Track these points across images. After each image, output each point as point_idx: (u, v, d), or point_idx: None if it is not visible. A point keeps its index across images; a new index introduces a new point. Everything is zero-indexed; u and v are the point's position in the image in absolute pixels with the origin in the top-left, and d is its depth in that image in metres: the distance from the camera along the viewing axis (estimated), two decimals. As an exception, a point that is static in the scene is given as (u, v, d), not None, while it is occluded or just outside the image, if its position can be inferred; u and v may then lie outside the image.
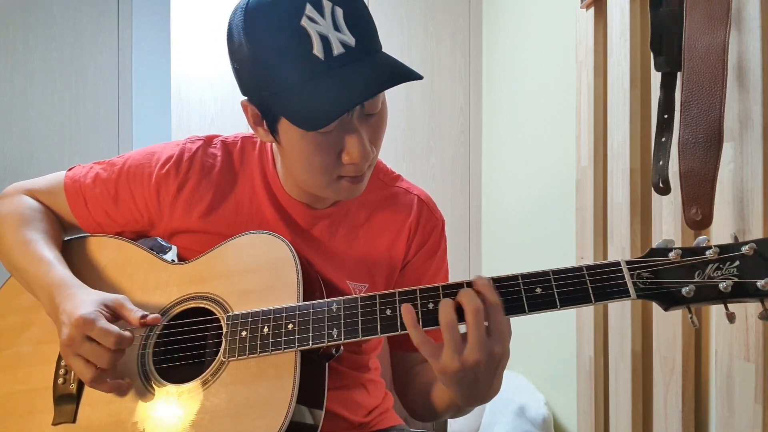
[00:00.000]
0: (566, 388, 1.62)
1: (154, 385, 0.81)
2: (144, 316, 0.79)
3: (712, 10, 0.86)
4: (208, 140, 0.97)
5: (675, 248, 0.68)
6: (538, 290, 0.70)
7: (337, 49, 0.72)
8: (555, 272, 0.70)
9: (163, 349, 0.84)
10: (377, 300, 0.75)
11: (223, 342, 0.79)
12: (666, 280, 0.67)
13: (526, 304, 0.69)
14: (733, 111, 0.92)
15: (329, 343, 0.75)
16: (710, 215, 0.88)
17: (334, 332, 0.75)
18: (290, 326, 0.77)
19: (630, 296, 0.67)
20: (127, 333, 0.77)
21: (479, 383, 0.71)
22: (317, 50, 0.71)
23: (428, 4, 2.48)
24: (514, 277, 0.71)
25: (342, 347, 0.81)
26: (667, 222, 1.09)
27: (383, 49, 0.78)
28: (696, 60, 0.88)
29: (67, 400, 0.83)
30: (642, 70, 1.21)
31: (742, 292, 0.64)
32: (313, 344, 0.75)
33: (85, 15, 3.06)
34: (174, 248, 1.00)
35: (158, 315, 0.80)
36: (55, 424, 0.82)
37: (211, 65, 2.43)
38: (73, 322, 0.76)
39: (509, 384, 1.83)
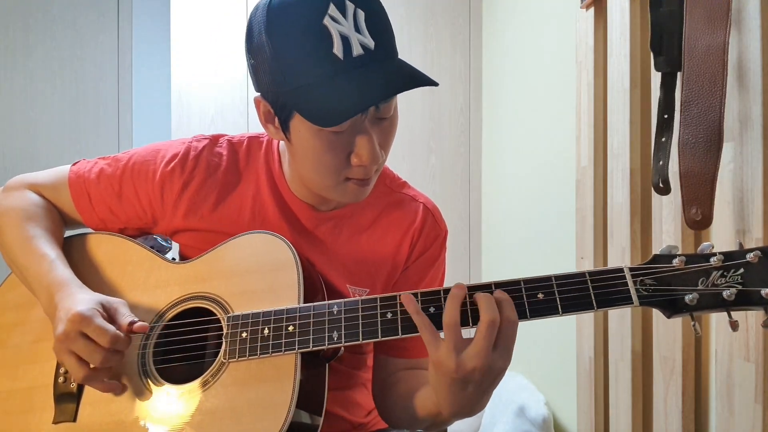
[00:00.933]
0: (566, 388, 1.62)
1: (154, 385, 0.81)
2: (132, 323, 0.79)
3: (712, 10, 0.86)
4: (214, 139, 0.96)
5: (679, 255, 0.67)
6: (540, 296, 0.69)
7: (356, 50, 0.73)
8: (557, 278, 0.69)
9: (163, 349, 0.84)
10: (378, 303, 0.75)
11: (224, 343, 0.79)
12: (669, 287, 0.66)
13: (527, 310, 0.69)
14: (733, 111, 0.92)
15: (329, 346, 0.75)
16: (710, 215, 0.88)
17: (335, 335, 0.75)
18: (291, 328, 0.77)
19: (633, 303, 0.66)
20: (122, 334, 0.77)
21: (467, 392, 0.69)
22: (337, 49, 0.72)
23: (428, 4, 2.48)
24: (516, 282, 0.70)
25: (342, 349, 0.81)
26: (667, 222, 1.09)
27: None
28: (696, 60, 0.88)
29: (67, 399, 0.83)
30: (642, 70, 1.21)
31: (746, 300, 0.63)
32: (313, 346, 0.75)
33: (85, 15, 3.06)
34: (174, 248, 1.00)
35: (146, 324, 0.80)
36: (55, 422, 0.82)
37: (212, 65, 2.43)
38: (70, 318, 0.75)
39: (509, 384, 1.83)
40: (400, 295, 0.74)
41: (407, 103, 2.38)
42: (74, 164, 0.98)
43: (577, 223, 1.47)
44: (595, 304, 0.68)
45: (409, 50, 2.44)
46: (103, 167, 0.95)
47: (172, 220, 0.93)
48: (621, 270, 0.68)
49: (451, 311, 0.68)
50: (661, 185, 0.99)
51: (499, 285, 0.71)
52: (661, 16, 0.97)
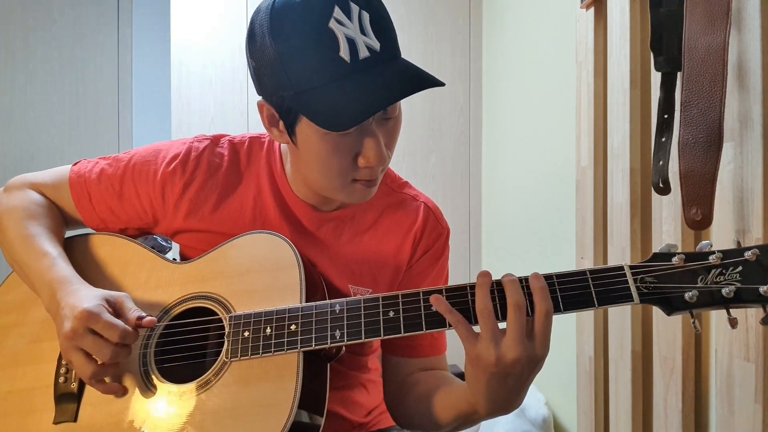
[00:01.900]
0: (566, 388, 1.62)
1: (155, 385, 0.81)
2: (140, 318, 0.79)
3: (712, 10, 0.86)
4: (216, 140, 0.96)
5: (678, 253, 0.67)
6: None
7: (362, 53, 0.72)
8: (558, 276, 0.70)
9: (165, 349, 0.84)
10: (380, 302, 0.75)
11: (226, 342, 0.79)
12: (669, 285, 0.67)
13: (529, 308, 0.69)
14: (733, 111, 0.92)
15: (332, 345, 0.75)
16: (710, 215, 0.88)
17: (337, 333, 0.75)
18: (293, 327, 0.77)
19: (633, 301, 0.67)
20: (131, 328, 0.77)
21: (508, 386, 0.69)
22: (343, 52, 0.72)
23: (428, 4, 2.49)
24: (518, 281, 0.70)
25: (344, 348, 0.81)
26: (667, 222, 1.09)
27: None
28: (696, 60, 0.88)
29: (68, 399, 0.83)
30: (642, 70, 1.21)
31: (744, 297, 0.64)
32: (315, 345, 0.75)
33: (85, 15, 3.06)
34: (174, 248, 1.00)
35: (154, 318, 0.80)
36: (56, 423, 0.82)
37: (212, 65, 2.43)
38: (77, 315, 0.75)
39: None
40: (401, 295, 0.74)
41: (407, 103, 2.38)
42: (75, 164, 0.98)
43: (577, 223, 1.47)
44: (596, 302, 0.68)
45: (409, 50, 2.44)
46: (104, 167, 0.95)
47: (173, 221, 0.93)
48: (621, 268, 0.68)
49: (482, 299, 0.68)
50: (661, 185, 0.99)
51: (500, 283, 0.71)
52: (661, 16, 0.97)
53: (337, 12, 0.72)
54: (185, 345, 0.84)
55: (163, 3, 2.67)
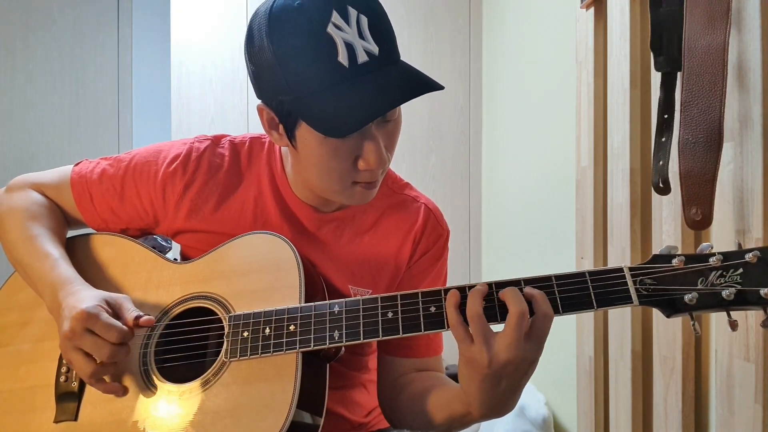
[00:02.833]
0: (566, 388, 1.62)
1: (155, 384, 0.81)
2: (138, 317, 0.79)
3: (712, 10, 0.86)
4: (216, 140, 0.96)
5: (678, 255, 0.67)
6: None
7: (361, 57, 0.72)
8: (557, 277, 0.70)
9: (164, 348, 0.84)
10: (379, 302, 0.75)
11: (225, 342, 0.80)
12: (669, 286, 0.66)
13: (528, 309, 0.69)
14: (733, 111, 0.92)
15: (330, 345, 0.75)
16: (710, 215, 0.88)
17: (336, 334, 0.75)
18: (292, 327, 0.77)
19: (632, 303, 0.67)
20: (128, 329, 0.77)
21: (500, 388, 0.69)
22: (342, 57, 0.71)
23: (428, 4, 2.49)
24: (516, 282, 0.70)
25: (343, 348, 0.81)
26: (667, 222, 1.09)
27: None
28: (696, 60, 0.88)
29: (68, 398, 0.83)
30: (642, 70, 1.21)
31: (745, 300, 0.64)
32: (314, 346, 0.75)
33: (85, 15, 3.06)
34: (174, 248, 1.00)
35: (152, 318, 0.80)
36: (56, 421, 0.82)
37: (212, 65, 2.43)
38: (76, 315, 0.75)
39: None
40: (399, 296, 0.74)
41: (407, 103, 2.37)
42: (77, 164, 0.98)
43: (577, 223, 1.47)
44: (595, 304, 0.68)
45: (409, 50, 2.44)
46: (106, 168, 0.95)
47: (174, 221, 0.93)
48: (621, 270, 0.68)
49: (473, 303, 0.68)
50: (661, 185, 0.99)
51: (500, 284, 0.71)
52: (661, 16, 0.97)
53: (335, 17, 0.72)
54: (185, 345, 0.84)
55: (163, 3, 2.67)
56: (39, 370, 0.86)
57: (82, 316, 0.75)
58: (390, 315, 0.73)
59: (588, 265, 1.41)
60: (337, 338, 0.75)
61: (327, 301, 0.78)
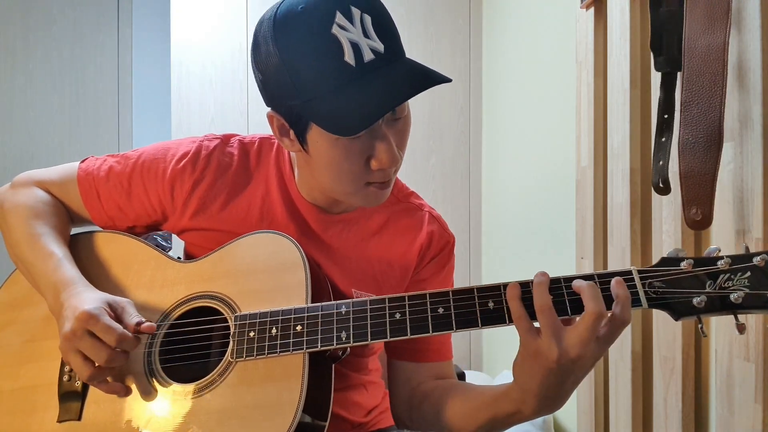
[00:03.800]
0: (566, 388, 1.62)
1: (160, 384, 0.80)
2: (139, 323, 0.79)
3: (712, 10, 0.86)
4: (226, 139, 0.96)
5: (687, 258, 0.67)
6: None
7: (367, 56, 0.73)
8: (566, 279, 0.69)
9: (169, 348, 0.84)
10: (386, 303, 0.74)
11: (231, 342, 0.79)
12: (677, 290, 0.66)
13: (535, 311, 0.68)
14: (733, 111, 0.92)
15: (338, 346, 0.75)
16: (710, 215, 0.88)
17: (343, 335, 0.74)
18: (299, 328, 0.76)
19: (641, 306, 0.66)
20: (130, 334, 0.77)
21: (565, 382, 0.68)
22: (348, 57, 0.72)
23: (428, 4, 2.49)
24: (525, 284, 0.69)
25: (349, 349, 0.80)
26: (667, 222, 1.09)
27: None
28: (696, 60, 0.88)
29: (72, 398, 0.82)
30: (642, 70, 1.21)
31: (753, 303, 0.64)
32: (321, 346, 0.75)
33: (85, 15, 3.06)
34: (174, 248, 1.00)
35: (153, 324, 0.80)
36: (60, 421, 0.82)
37: (211, 65, 2.43)
38: (77, 316, 0.75)
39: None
40: (407, 297, 0.74)
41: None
42: (83, 161, 0.98)
43: (577, 223, 1.47)
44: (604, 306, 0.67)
45: (409, 50, 2.41)
46: (113, 165, 0.95)
47: (181, 219, 0.93)
48: (630, 272, 0.68)
49: (541, 296, 0.67)
50: (661, 185, 0.99)
51: (507, 286, 0.70)
52: (661, 16, 0.97)
53: (339, 18, 0.72)
54: (190, 345, 0.83)
55: (163, 3, 2.67)
56: (41, 369, 0.86)
57: (84, 316, 0.75)
58: (398, 316, 0.73)
59: (588, 265, 1.41)
60: (344, 339, 0.74)
61: (334, 302, 0.77)
